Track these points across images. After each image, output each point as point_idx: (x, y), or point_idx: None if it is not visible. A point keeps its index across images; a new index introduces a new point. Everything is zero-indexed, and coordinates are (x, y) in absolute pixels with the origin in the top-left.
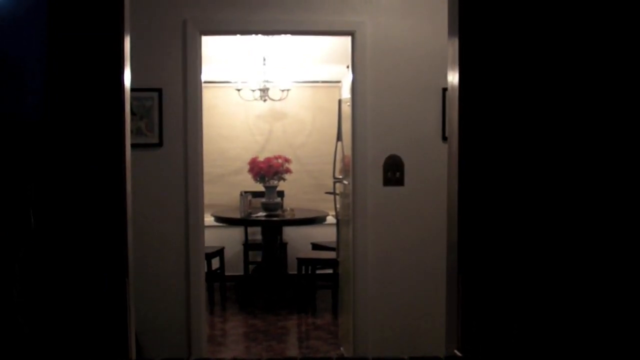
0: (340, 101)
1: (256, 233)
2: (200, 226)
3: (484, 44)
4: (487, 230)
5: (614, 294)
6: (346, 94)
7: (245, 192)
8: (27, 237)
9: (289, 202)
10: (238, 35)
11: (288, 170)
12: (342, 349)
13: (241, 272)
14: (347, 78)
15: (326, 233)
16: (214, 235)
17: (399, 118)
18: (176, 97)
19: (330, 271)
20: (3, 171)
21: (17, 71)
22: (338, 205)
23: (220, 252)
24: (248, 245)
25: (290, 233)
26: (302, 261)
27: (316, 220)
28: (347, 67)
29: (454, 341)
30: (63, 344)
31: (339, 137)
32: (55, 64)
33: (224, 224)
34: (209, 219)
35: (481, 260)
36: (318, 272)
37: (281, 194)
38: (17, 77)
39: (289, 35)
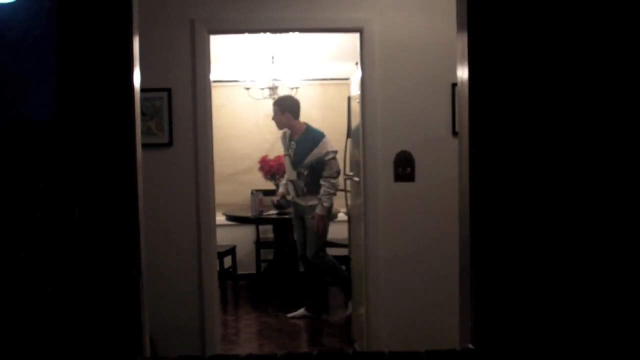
0: (349, 98)
1: (267, 231)
2: (212, 225)
3: (493, 38)
4: (499, 225)
5: (628, 286)
6: (355, 90)
7: (256, 191)
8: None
9: None
10: (246, 34)
11: None
12: (355, 345)
13: (253, 271)
14: (356, 75)
15: (338, 230)
16: (225, 234)
17: (409, 114)
18: (185, 96)
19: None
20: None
21: (29, 75)
22: (349, 202)
23: (232, 251)
24: (260, 244)
25: None
26: None
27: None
28: (356, 64)
29: (467, 335)
30: (79, 343)
31: (349, 134)
32: (66, 66)
33: (236, 223)
34: (220, 218)
35: (493, 255)
36: None
37: None
38: (29, 81)
39: (297, 33)
